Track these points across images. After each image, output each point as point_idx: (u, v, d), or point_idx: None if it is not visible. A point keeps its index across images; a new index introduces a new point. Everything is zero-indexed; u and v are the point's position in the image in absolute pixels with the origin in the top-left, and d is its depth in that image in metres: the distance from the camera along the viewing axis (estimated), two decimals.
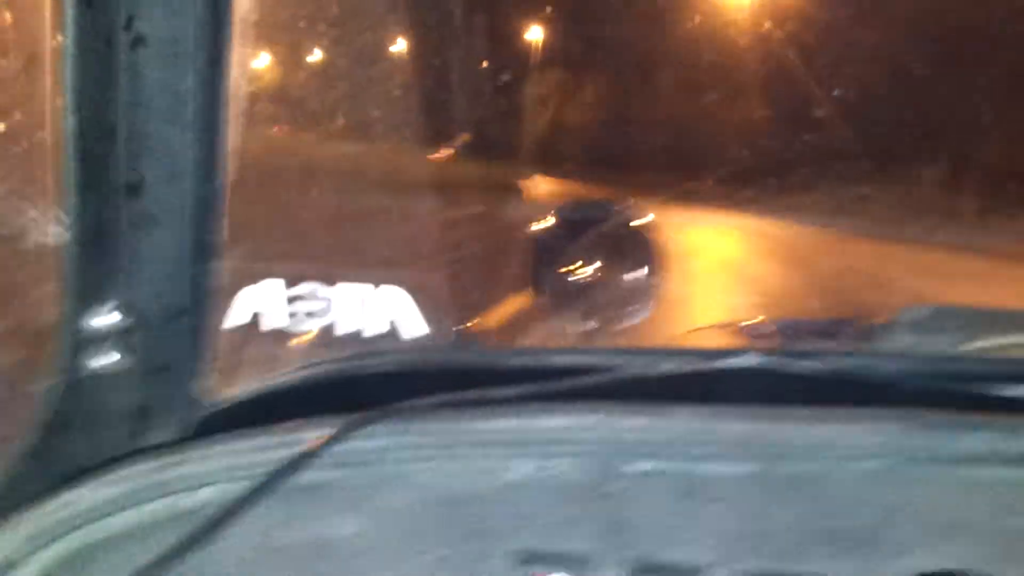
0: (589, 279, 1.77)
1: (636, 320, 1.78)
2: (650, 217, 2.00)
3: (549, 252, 1.79)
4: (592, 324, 1.74)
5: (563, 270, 1.77)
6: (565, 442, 0.92)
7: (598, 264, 1.78)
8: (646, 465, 0.92)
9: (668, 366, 1.01)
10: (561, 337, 1.73)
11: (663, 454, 0.92)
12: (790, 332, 1.47)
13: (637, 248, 1.85)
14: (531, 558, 0.92)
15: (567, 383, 0.97)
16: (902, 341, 1.27)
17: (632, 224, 1.94)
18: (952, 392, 0.98)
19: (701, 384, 1.01)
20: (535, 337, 1.75)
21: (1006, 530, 0.89)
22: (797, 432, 0.91)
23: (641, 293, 1.81)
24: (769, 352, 1.01)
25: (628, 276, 1.81)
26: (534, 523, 0.92)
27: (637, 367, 1.01)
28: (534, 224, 1.88)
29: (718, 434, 0.92)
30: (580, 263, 1.77)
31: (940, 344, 1.25)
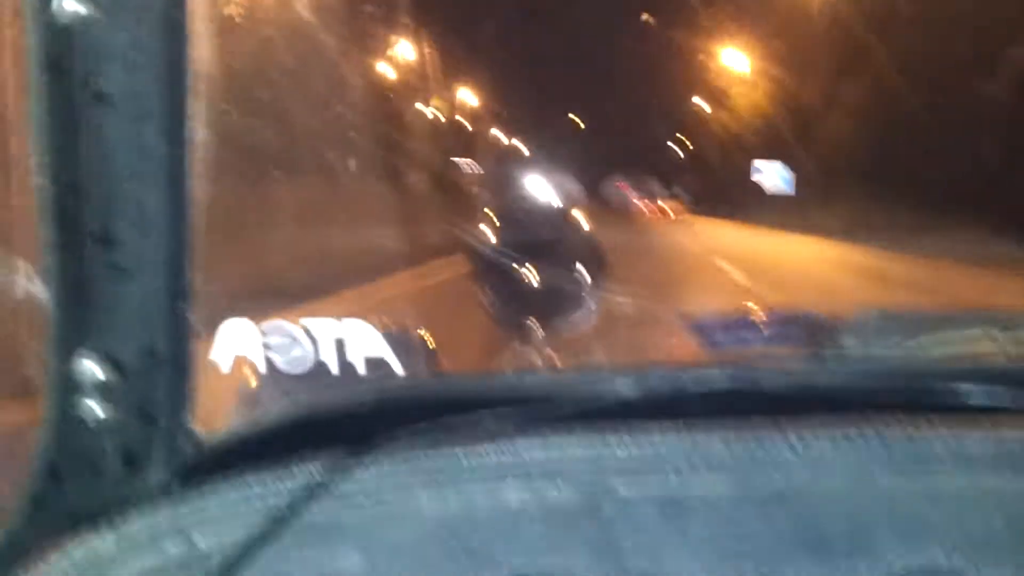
0: (538, 285, 1.77)
1: (586, 323, 1.79)
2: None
3: (496, 261, 1.79)
4: (546, 330, 1.75)
5: (512, 278, 1.77)
6: (553, 467, 0.96)
7: (547, 269, 1.79)
8: (632, 486, 0.95)
9: (639, 386, 1.04)
10: (525, 354, 1.74)
11: (647, 474, 0.95)
12: (745, 328, 1.50)
13: (584, 251, 1.86)
14: None
15: (548, 409, 1.00)
16: (855, 345, 1.32)
17: (578, 227, 1.95)
18: (906, 395, 1.03)
19: (675, 401, 1.05)
20: (502, 354, 1.76)
21: (970, 532, 0.94)
22: (768, 450, 0.96)
23: (589, 295, 1.82)
24: (734, 369, 1.06)
25: (576, 278, 1.82)
26: (529, 546, 0.95)
27: (612, 388, 1.04)
28: (480, 235, 1.88)
29: (696, 454, 0.96)
30: (529, 269, 1.77)
31: (891, 347, 1.30)
